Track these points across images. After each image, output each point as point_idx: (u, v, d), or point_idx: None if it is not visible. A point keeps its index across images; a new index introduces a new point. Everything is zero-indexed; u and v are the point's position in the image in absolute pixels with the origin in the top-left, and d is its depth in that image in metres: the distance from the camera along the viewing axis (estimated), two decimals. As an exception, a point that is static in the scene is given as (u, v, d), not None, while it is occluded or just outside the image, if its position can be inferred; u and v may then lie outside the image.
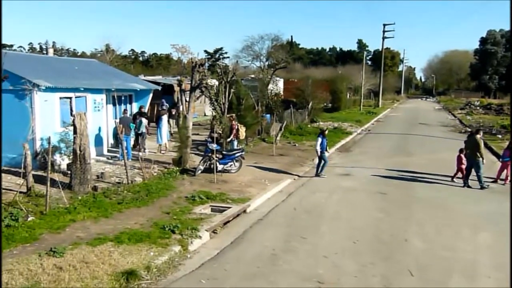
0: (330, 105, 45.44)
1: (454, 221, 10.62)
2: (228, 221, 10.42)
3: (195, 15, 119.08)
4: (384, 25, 57.68)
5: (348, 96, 53.82)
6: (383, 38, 58.20)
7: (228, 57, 68.01)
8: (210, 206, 11.41)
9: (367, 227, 10.14)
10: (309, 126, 29.86)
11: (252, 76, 40.21)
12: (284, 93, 35.08)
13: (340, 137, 25.93)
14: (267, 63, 45.00)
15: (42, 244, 8.21)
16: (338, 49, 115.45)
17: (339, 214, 11.16)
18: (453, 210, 11.59)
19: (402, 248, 8.85)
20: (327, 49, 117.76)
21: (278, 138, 22.00)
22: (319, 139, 15.37)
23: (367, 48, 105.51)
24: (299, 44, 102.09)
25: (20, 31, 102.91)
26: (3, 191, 11.27)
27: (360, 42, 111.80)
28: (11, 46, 69.66)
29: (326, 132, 16.11)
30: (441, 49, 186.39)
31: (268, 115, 25.08)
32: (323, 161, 15.44)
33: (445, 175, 15.22)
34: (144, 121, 17.34)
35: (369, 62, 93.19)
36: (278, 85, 32.06)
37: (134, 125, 16.94)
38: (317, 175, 15.36)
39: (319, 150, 15.27)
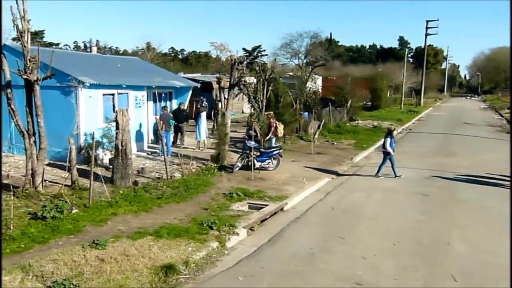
0: (369, 103, 44.64)
1: (499, 225, 10.17)
2: (265, 219, 10.41)
3: (234, 13, 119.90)
4: (427, 21, 55.97)
5: (388, 94, 52.67)
6: (426, 34, 56.46)
7: (266, 55, 67.91)
8: (248, 203, 11.45)
9: (407, 229, 9.88)
10: (347, 124, 29.43)
11: (291, 73, 40.01)
12: (322, 91, 34.80)
13: (380, 136, 25.30)
14: (305, 60, 44.66)
15: (85, 236, 8.48)
16: (378, 46, 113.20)
17: (378, 214, 10.93)
18: (498, 213, 11.10)
19: (445, 251, 8.56)
20: (367, 46, 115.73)
21: (316, 136, 21.82)
22: (388, 140, 14.84)
23: (408, 45, 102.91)
24: (338, 42, 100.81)
25: (66, 30, 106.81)
26: (49, 183, 11.77)
27: (401, 39, 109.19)
28: (57, 44, 72.36)
29: (394, 132, 15.40)
30: (487, 46, 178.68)
31: (306, 113, 24.91)
32: (387, 162, 14.94)
33: (491, 177, 14.62)
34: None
35: (411, 60, 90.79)
36: (316, 83, 31.78)
37: (174, 121, 17.22)
38: (376, 175, 14.96)
39: (391, 151, 14.70)
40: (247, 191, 12.24)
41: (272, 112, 19.65)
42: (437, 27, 56.01)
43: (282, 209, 11.23)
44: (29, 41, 10.55)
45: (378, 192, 13.11)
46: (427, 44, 59.17)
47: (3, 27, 10.94)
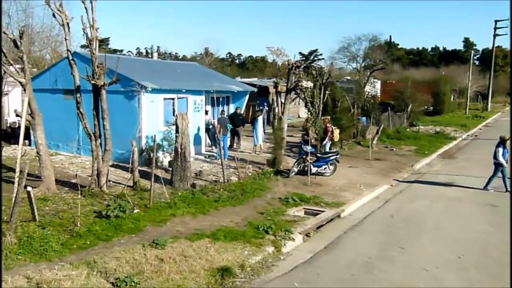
0: (431, 108, 42.92)
1: None
2: (322, 225, 10.29)
3: (290, 17, 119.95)
4: (496, 21, 53.01)
5: (452, 99, 50.40)
6: (494, 35, 53.46)
7: (323, 59, 67.58)
8: (304, 208, 11.37)
9: (473, 240, 9.38)
10: (408, 130, 28.47)
11: (348, 77, 39.42)
12: (381, 95, 33.91)
13: (443, 143, 24.38)
14: (363, 64, 43.84)
15: (145, 235, 8.79)
16: (441, 49, 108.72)
17: (442, 225, 10.45)
18: None
19: (515, 267, 8.03)
20: (429, 49, 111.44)
21: (374, 141, 21.29)
22: (500, 149, 13.69)
23: (474, 47, 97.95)
24: (398, 44, 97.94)
25: (129, 37, 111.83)
26: (113, 183, 12.32)
27: (466, 41, 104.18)
28: (121, 51, 76.00)
29: (508, 141, 14.01)
30: None
31: (364, 118, 24.39)
32: (499, 175, 13.68)
33: None
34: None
35: (477, 62, 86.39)
36: (375, 87, 31.05)
37: (231, 125, 17.47)
38: (485, 188, 13.84)
39: (504, 162, 13.55)
40: (303, 197, 12.17)
41: (328, 117, 19.39)
42: (506, 27, 52.92)
43: (339, 216, 11.05)
44: (97, 48, 11.15)
45: (441, 201, 12.56)
46: (496, 45, 56.02)
47: (72, 35, 11.63)
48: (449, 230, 10.06)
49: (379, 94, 32.09)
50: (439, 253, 8.64)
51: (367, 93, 26.62)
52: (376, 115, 25.46)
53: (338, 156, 15.57)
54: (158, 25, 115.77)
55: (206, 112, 17.87)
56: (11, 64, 10.77)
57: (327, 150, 17.01)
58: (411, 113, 31.51)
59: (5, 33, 10.65)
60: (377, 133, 22.14)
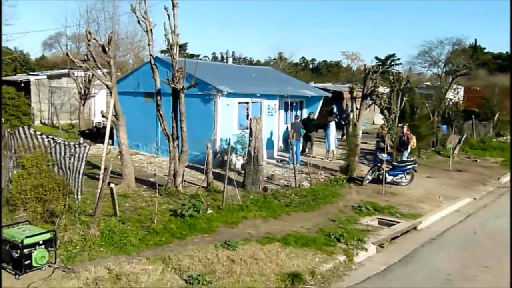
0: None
1: None
2: (396, 237, 9.92)
3: (366, 21, 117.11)
4: None
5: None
6: None
7: (401, 64, 65.12)
8: (378, 218, 11.04)
9: None
10: (493, 140, 26.65)
11: (428, 83, 37.70)
12: (464, 102, 31.97)
13: (534, 155, 22.44)
14: (445, 69, 41.73)
15: (218, 236, 8.99)
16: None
17: (532, 244, 9.62)
18: None
19: None
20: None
21: (455, 151, 20.14)
22: None
23: None
24: (484, 48, 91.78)
25: (205, 43, 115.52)
26: (188, 184, 12.76)
27: None
28: (198, 56, 78.62)
29: None
30: None
31: (444, 126, 23.21)
32: None
33: None
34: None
35: None
36: (458, 94, 29.40)
37: (304, 130, 17.41)
38: None
39: None
40: (377, 206, 11.81)
41: (407, 124, 18.68)
42: None
43: (415, 228, 10.59)
44: (177, 53, 11.65)
45: (531, 219, 11.57)
46: None
47: (155, 42, 12.22)
48: (541, 250, 9.23)
49: (462, 101, 30.28)
50: (528, 275, 7.96)
51: (449, 100, 25.28)
52: (459, 123, 24.11)
53: (415, 165, 14.93)
54: (233, 31, 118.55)
55: (297, 117, 17.88)
56: (99, 68, 11.57)
57: (405, 158, 16.37)
58: (498, 122, 29.44)
59: (95, 39, 11.47)
60: (459, 142, 20.94)
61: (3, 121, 10.82)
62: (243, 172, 13.61)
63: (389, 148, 16.83)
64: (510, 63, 30.55)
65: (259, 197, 11.92)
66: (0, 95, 13.63)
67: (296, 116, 17.87)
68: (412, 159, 16.11)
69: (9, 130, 9.65)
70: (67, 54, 12.71)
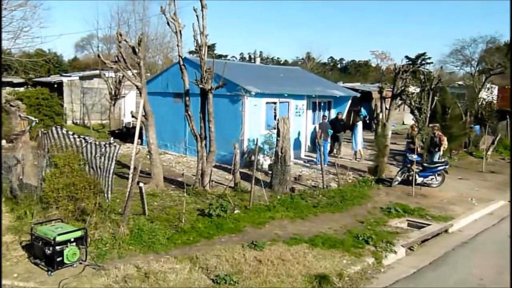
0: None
1: None
2: (427, 239, 9.69)
3: (396, 19, 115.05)
4: None
5: None
6: None
7: (432, 63, 63.80)
8: (407, 220, 10.83)
9: None
10: (529, 141, 25.67)
11: (460, 82, 36.76)
12: (498, 102, 31.00)
13: None
14: (478, 68, 40.58)
15: (245, 236, 9.01)
16: None
17: None
18: None
19: None
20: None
21: (489, 153, 19.55)
22: None
23: None
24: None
25: (233, 43, 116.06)
26: (215, 183, 12.83)
27: None
28: (226, 56, 79.09)
29: None
30: None
31: (477, 127, 22.56)
32: None
33: None
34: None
35: None
36: (492, 93, 28.56)
37: (332, 131, 17.25)
38: None
39: None
40: (406, 208, 11.58)
41: (437, 124, 18.25)
42: None
43: (446, 231, 10.32)
44: (206, 54, 11.72)
45: None
46: None
47: (183, 43, 12.35)
48: None
49: (496, 101, 29.37)
50: None
51: (482, 99, 24.58)
52: (493, 123, 23.38)
53: (447, 166, 14.56)
54: (261, 31, 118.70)
55: (324, 117, 17.76)
56: (129, 69, 11.77)
57: (436, 159, 15.99)
58: (534, 122, 28.36)
59: (125, 40, 11.65)
60: (492, 143, 20.32)
61: (37, 121, 11.13)
62: (270, 172, 13.58)
63: (419, 149, 16.47)
64: (511, 63, 29.52)
65: (286, 197, 11.87)
66: (0, 96, 14.13)
67: (324, 116, 17.71)
68: (443, 160, 15.72)
69: (42, 130, 9.92)
70: (98, 56, 12.98)
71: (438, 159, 16.12)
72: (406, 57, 65.25)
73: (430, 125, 17.26)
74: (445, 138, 16.37)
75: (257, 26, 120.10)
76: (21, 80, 28.33)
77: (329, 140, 17.35)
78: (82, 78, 29.54)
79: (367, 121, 26.34)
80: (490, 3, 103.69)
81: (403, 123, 32.34)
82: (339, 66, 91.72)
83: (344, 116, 19.36)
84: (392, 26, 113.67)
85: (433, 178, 14.29)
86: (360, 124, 18.37)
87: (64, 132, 9.50)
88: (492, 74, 29.19)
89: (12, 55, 23.05)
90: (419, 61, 68.77)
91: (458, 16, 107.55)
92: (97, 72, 26.80)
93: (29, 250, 7.52)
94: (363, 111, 27.56)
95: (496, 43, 42.16)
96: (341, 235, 9.28)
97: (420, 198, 12.88)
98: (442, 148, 16.04)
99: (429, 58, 69.46)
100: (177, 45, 12.25)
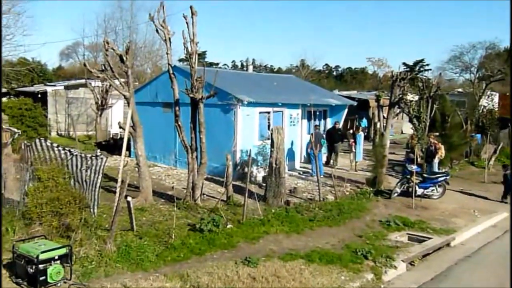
0: None
1: None
2: (428, 254, 9.71)
3: (393, 25, 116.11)
4: None
5: None
6: None
7: (430, 69, 64.37)
8: (407, 234, 10.86)
9: None
10: (532, 150, 25.88)
11: (460, 90, 37.09)
12: (499, 109, 31.30)
13: None
14: (478, 75, 40.98)
15: (238, 252, 8.96)
16: None
17: None
18: None
19: None
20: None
21: (491, 162, 19.67)
22: None
23: None
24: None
25: (225, 50, 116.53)
26: (207, 197, 12.79)
27: None
28: (217, 64, 79.33)
29: None
30: None
31: (478, 135, 22.75)
32: None
33: None
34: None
35: None
36: (493, 100, 28.85)
37: (325, 141, 17.29)
38: None
39: None
40: (406, 220, 11.61)
41: (436, 133, 18.36)
42: None
43: (448, 245, 10.35)
44: (196, 62, 11.76)
45: None
46: None
47: (173, 50, 12.39)
48: None
49: (496, 109, 29.68)
50: None
51: (482, 107, 24.82)
52: (494, 132, 23.56)
53: (447, 177, 14.64)
54: (253, 38, 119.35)
55: (317, 126, 17.82)
56: (117, 78, 11.77)
57: (436, 169, 16.07)
58: (537, 130, 28.64)
59: (112, 49, 11.68)
60: (494, 152, 20.48)
61: (20, 132, 11.06)
62: (264, 185, 13.57)
63: (419, 159, 16.54)
64: (511, 63, 30.01)
65: (281, 211, 11.85)
66: (0, 98, 14.02)
67: (316, 126, 17.73)
68: (444, 170, 15.81)
69: (26, 142, 9.86)
70: (84, 64, 12.95)
71: (438, 169, 16.21)
72: (404, 63, 65.85)
73: (428, 134, 17.37)
74: (441, 147, 16.46)
75: (249, 33, 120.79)
76: (3, 90, 28.23)
77: (324, 150, 17.38)
78: (67, 88, 29.49)
79: (366, 133, 26.40)
80: (490, 7, 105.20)
81: (402, 132, 32.49)
82: (334, 73, 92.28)
83: (341, 126, 19.44)
84: (389, 32, 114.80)
85: (433, 189, 14.34)
86: (362, 135, 18.44)
87: (48, 144, 9.45)
88: (493, 81, 29.52)
89: (-6, 64, 22.96)
90: (417, 67, 69.38)
91: (456, 21, 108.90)
92: (83, 81, 26.78)
93: (10, 269, 7.41)
94: (364, 121, 27.65)
95: (496, 49, 42.63)
96: (338, 250, 9.27)
97: (421, 211, 12.92)
98: (438, 156, 16.12)
99: (427, 64, 70.08)
100: (167, 53, 12.29)
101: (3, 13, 19.99)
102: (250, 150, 12.32)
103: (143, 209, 11.36)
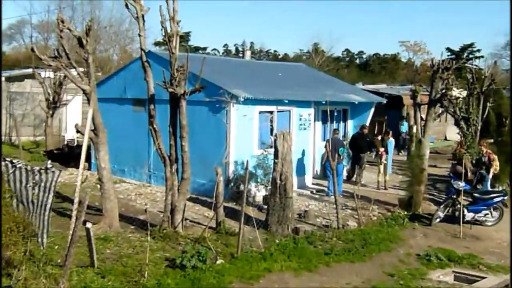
0: None
1: None
2: (481, 298, 9.72)
3: (433, 3, 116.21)
4: None
5: None
6: None
7: (482, 57, 64.64)
8: (453, 272, 10.87)
9: None
10: None
11: (521, 83, 37.23)
12: None
13: None
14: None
15: (231, 295, 8.96)
16: None
17: None
18: None
19: None
20: None
21: None
22: None
23: None
24: None
25: (214, 32, 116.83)
26: (190, 223, 12.79)
27: None
28: (205, 49, 79.76)
29: None
30: None
31: (546, 143, 22.78)
32: None
33: None
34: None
35: None
36: None
37: (345, 149, 17.29)
38: None
39: None
40: (452, 254, 11.63)
41: (491, 140, 18.40)
42: None
43: (506, 286, 10.35)
44: (177, 46, 11.77)
45: None
46: None
47: (146, 31, 12.41)
48: None
49: None
50: None
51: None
52: None
53: (505, 197, 14.67)
54: (251, 15, 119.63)
55: (336, 131, 17.86)
56: (74, 67, 11.76)
57: (488, 188, 16.10)
58: None
59: (69, 29, 11.69)
60: None
61: None
62: (265, 207, 13.57)
63: (469, 174, 16.54)
64: (511, 63, 30.40)
65: (287, 241, 11.84)
66: (1, 93, 14.01)
67: (336, 130, 17.74)
68: (501, 189, 15.84)
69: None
70: (32, 49, 12.95)
71: (492, 187, 16.24)
72: (448, 49, 66.19)
73: (479, 140, 17.45)
74: (495, 158, 16.50)
75: (246, 9, 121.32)
76: None
77: (345, 162, 17.39)
78: (9, 80, 29.53)
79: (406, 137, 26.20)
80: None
81: (445, 139, 32.60)
82: (357, 61, 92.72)
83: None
84: (428, 8, 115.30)
85: (487, 214, 14.37)
86: (392, 142, 18.48)
87: (-17, 153, 9.42)
88: None
89: None
90: (465, 54, 69.73)
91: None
92: (29, 71, 26.81)
93: None
94: (405, 125, 27.43)
95: None
96: (363, 293, 9.28)
97: (471, 241, 12.98)
98: (492, 170, 16.17)
99: (478, 50, 70.58)
100: (139, 35, 12.32)
101: None
102: (247, 162, 12.30)
103: (107, 239, 11.34)
